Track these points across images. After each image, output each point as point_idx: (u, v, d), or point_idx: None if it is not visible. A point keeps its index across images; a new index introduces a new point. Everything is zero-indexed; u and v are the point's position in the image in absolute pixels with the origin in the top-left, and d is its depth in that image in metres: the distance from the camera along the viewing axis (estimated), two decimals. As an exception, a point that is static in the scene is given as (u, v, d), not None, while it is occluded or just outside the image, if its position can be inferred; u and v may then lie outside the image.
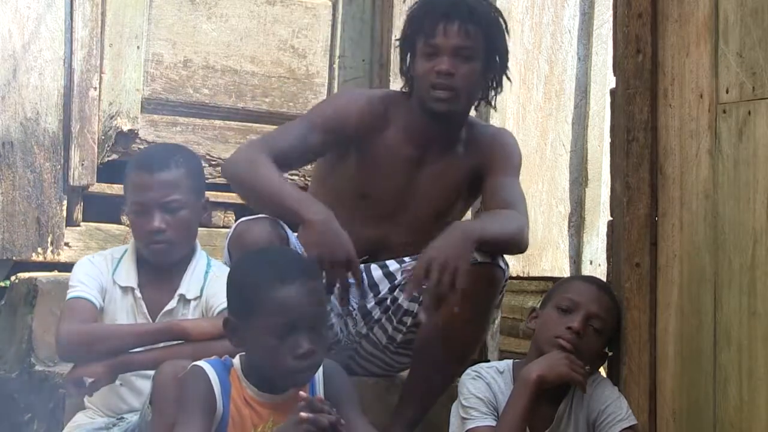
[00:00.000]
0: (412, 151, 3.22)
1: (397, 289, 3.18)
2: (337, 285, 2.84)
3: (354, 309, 3.23)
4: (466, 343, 3.09)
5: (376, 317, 3.23)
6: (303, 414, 2.31)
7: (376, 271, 3.22)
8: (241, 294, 2.48)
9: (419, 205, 3.22)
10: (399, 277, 3.20)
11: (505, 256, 3.07)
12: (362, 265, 3.22)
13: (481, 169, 3.24)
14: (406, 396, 3.12)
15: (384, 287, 3.21)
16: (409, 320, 3.17)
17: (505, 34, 3.24)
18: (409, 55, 3.22)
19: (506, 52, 3.25)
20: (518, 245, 3.08)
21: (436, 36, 3.12)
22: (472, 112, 3.30)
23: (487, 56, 3.19)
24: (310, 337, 2.40)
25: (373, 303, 3.23)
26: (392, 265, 3.21)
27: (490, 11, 3.20)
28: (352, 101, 3.27)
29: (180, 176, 2.97)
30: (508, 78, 3.28)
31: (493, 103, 3.28)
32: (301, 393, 2.38)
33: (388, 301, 3.21)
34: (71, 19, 4.13)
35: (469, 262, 2.83)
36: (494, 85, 3.26)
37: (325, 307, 2.48)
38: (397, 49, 3.30)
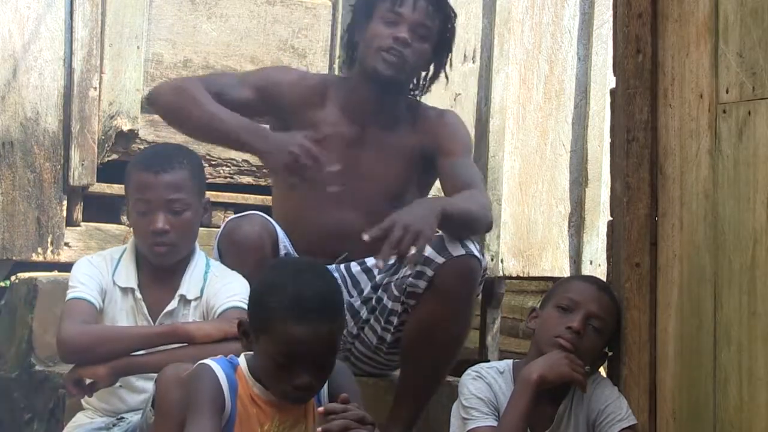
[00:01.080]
0: (351, 129, 3.26)
1: (380, 289, 3.20)
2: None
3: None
4: (450, 340, 3.11)
5: (364, 317, 3.24)
6: (318, 429, 2.33)
7: (355, 267, 3.25)
8: (260, 310, 2.46)
9: (368, 186, 3.24)
10: (377, 274, 3.21)
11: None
12: (342, 265, 3.23)
13: (431, 150, 3.27)
14: (399, 397, 3.15)
15: (366, 285, 3.23)
16: (395, 320, 3.18)
17: (454, 34, 3.32)
18: (357, 25, 3.26)
19: (451, 50, 3.33)
20: (483, 222, 3.11)
21: (404, 5, 3.17)
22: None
23: (436, 46, 3.26)
24: (313, 373, 2.40)
25: (359, 302, 3.24)
26: (370, 260, 3.22)
27: (450, 7, 3.29)
28: (284, 71, 3.42)
29: (183, 177, 2.95)
30: (446, 76, 3.35)
31: (419, 95, 3.35)
32: (319, 409, 2.38)
33: (374, 301, 3.22)
34: (71, 19, 4.12)
35: (433, 230, 2.85)
36: (429, 78, 3.33)
37: (336, 348, 2.46)
38: None
